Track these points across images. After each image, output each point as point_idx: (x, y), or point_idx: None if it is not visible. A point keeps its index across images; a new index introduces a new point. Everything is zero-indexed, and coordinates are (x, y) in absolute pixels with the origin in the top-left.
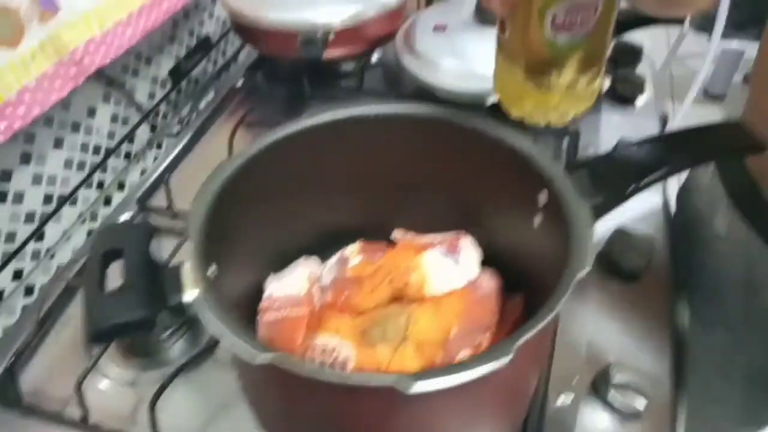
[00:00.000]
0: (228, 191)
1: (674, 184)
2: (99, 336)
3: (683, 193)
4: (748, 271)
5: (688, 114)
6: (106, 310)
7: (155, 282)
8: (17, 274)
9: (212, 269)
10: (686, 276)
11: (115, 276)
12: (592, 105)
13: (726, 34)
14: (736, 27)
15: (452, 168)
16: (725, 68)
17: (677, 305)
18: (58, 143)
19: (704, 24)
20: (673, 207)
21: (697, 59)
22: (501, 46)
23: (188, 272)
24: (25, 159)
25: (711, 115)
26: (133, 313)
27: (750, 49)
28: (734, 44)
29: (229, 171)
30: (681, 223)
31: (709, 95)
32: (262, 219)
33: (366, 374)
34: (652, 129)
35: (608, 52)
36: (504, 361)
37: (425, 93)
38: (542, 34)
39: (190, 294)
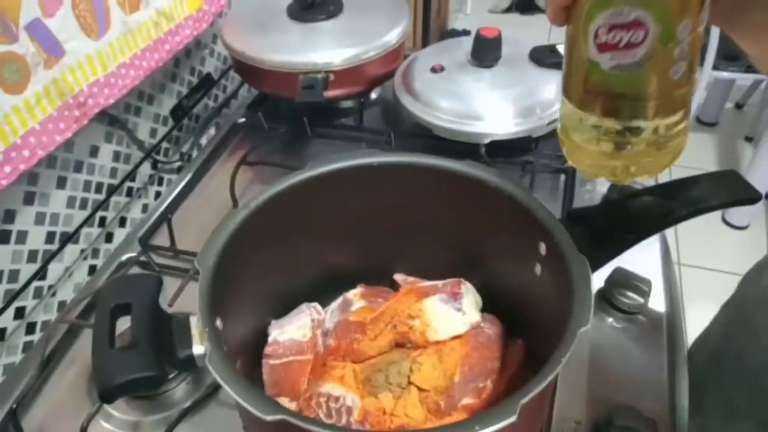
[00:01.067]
0: (233, 243)
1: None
2: (111, 393)
3: (752, 276)
4: None
5: None
6: (116, 368)
7: (164, 336)
8: (19, 312)
9: (218, 322)
10: (728, 358)
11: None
12: (672, 160)
13: (717, 65)
14: (726, 58)
15: (452, 215)
16: (717, 96)
17: (675, 351)
18: (61, 183)
19: None
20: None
21: None
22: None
23: (196, 326)
24: (29, 199)
25: (704, 141)
26: (144, 369)
27: (741, 79)
28: (725, 74)
29: (234, 223)
30: (740, 303)
31: (702, 122)
32: (265, 266)
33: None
34: None
35: (687, 109)
36: (510, 419)
37: (423, 131)
38: (587, 52)
39: (199, 348)
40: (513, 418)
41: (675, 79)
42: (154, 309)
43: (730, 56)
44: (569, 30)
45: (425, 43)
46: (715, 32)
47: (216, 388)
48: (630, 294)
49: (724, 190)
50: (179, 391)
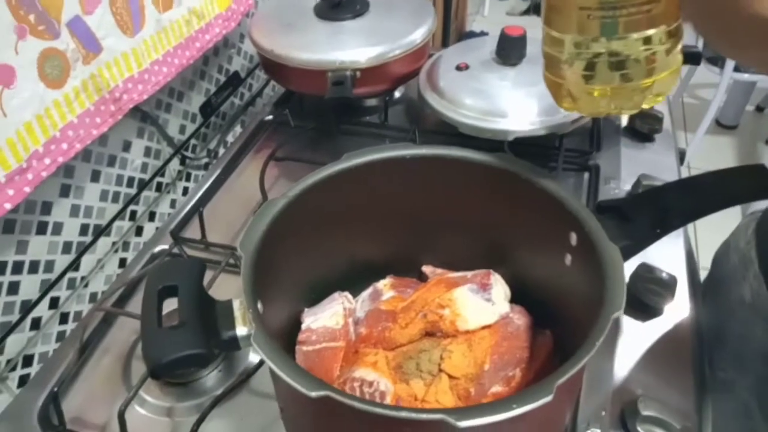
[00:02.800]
0: (272, 230)
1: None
2: (160, 370)
3: (720, 253)
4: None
5: (702, 144)
6: (165, 346)
7: (208, 317)
8: (54, 302)
9: (259, 305)
10: (711, 336)
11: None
12: (674, 80)
13: (737, 67)
14: None
15: (481, 207)
16: (737, 98)
17: (699, 352)
18: (95, 176)
19: (716, 57)
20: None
21: (709, 90)
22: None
23: (239, 309)
24: (65, 192)
25: (724, 144)
26: (192, 347)
27: (762, 81)
28: (746, 76)
29: (274, 211)
30: (714, 282)
31: (722, 125)
32: (300, 255)
33: (417, 408)
34: (670, 164)
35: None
36: (546, 399)
37: (447, 128)
38: None
39: (242, 329)
40: (549, 398)
41: None
42: (199, 291)
43: None
44: None
45: (445, 45)
46: None
47: (248, 376)
48: (655, 289)
49: (751, 184)
50: (211, 378)
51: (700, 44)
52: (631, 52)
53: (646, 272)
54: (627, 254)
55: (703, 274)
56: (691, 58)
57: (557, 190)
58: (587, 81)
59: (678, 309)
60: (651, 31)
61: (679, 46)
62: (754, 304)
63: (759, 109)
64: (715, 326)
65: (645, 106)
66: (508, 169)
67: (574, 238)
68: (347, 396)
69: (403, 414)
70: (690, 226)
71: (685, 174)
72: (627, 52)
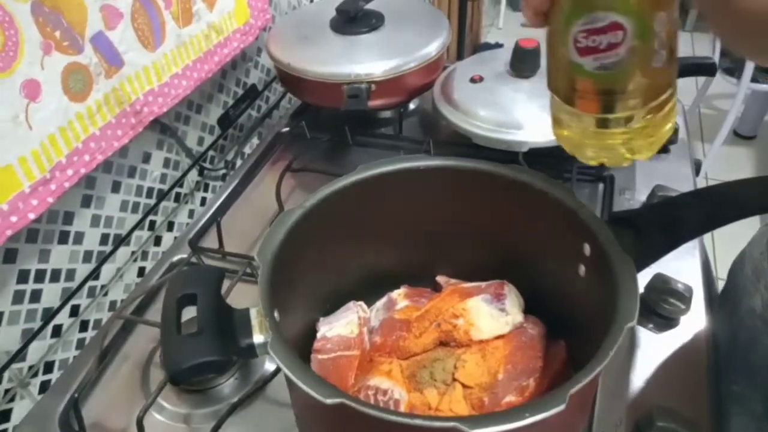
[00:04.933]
0: (289, 240)
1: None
2: (179, 376)
3: (736, 264)
4: None
5: (719, 155)
6: (184, 352)
7: (226, 325)
8: (74, 310)
9: (276, 313)
10: (724, 348)
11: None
12: (659, 147)
13: (755, 78)
14: (765, 71)
15: (495, 218)
16: (755, 109)
17: (714, 364)
18: (115, 187)
19: (732, 68)
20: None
21: (726, 100)
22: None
23: (256, 317)
24: (86, 202)
25: (742, 155)
26: (210, 354)
27: None
28: (763, 86)
29: (291, 221)
30: (729, 293)
31: (740, 136)
32: (315, 265)
33: (430, 416)
34: (685, 174)
35: (672, 86)
36: (559, 408)
37: (461, 139)
38: (569, 56)
39: (259, 337)
40: (562, 407)
41: (658, 66)
42: (217, 299)
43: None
44: (550, 32)
45: (459, 57)
46: None
47: (264, 383)
48: (671, 300)
49: (766, 194)
50: (228, 386)
51: (716, 56)
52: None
53: (661, 283)
54: (640, 265)
55: (720, 285)
56: (706, 69)
57: (571, 201)
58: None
59: (694, 320)
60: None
61: (673, 110)
62: (764, 314)
63: None
64: (728, 338)
65: (626, 164)
66: (522, 179)
67: (587, 249)
68: (362, 403)
69: (417, 421)
70: (708, 238)
71: (702, 185)
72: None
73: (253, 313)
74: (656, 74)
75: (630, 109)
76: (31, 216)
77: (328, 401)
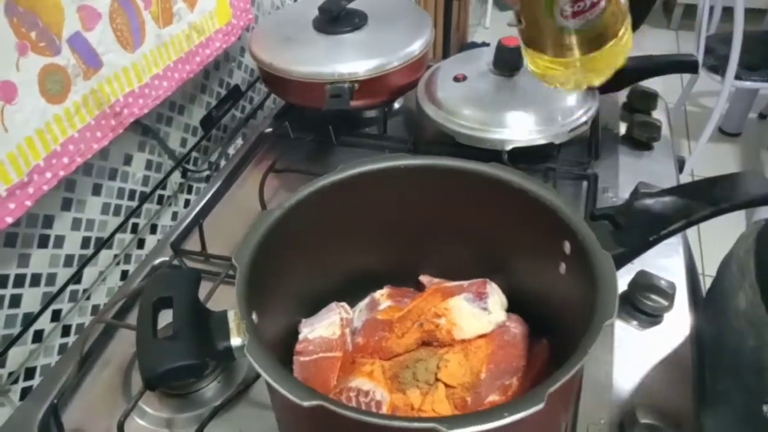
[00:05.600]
0: (268, 241)
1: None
2: (155, 381)
3: (723, 264)
4: (758, 353)
5: (705, 152)
6: (159, 357)
7: (203, 328)
8: (56, 315)
9: (254, 316)
10: (710, 347)
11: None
12: (623, 60)
13: (739, 75)
14: (749, 68)
15: (477, 217)
16: (739, 106)
17: (698, 360)
18: (96, 190)
19: (717, 66)
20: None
21: (711, 98)
22: (522, 38)
23: (233, 320)
24: (66, 205)
25: (727, 152)
26: (186, 358)
27: (764, 88)
28: (747, 84)
29: (269, 222)
30: (715, 292)
31: (725, 133)
32: (295, 267)
33: (410, 417)
34: (669, 172)
35: (628, 18)
36: (538, 407)
37: (445, 138)
38: (555, 24)
39: (236, 340)
40: (541, 406)
41: (623, 2)
42: (194, 302)
43: (752, 66)
44: (528, 6)
45: (445, 56)
46: (737, 42)
47: (247, 386)
48: (654, 297)
49: (747, 189)
50: (211, 389)
51: (700, 54)
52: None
53: (645, 280)
54: (620, 262)
55: (707, 281)
56: (689, 66)
57: (551, 199)
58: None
59: (677, 317)
60: None
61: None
62: (748, 314)
63: (762, 116)
64: (714, 337)
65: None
66: (502, 178)
67: (567, 247)
68: (340, 405)
69: (396, 423)
70: (694, 234)
71: (687, 182)
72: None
73: (231, 316)
74: (621, 9)
75: (608, 40)
76: (9, 220)
77: (306, 404)
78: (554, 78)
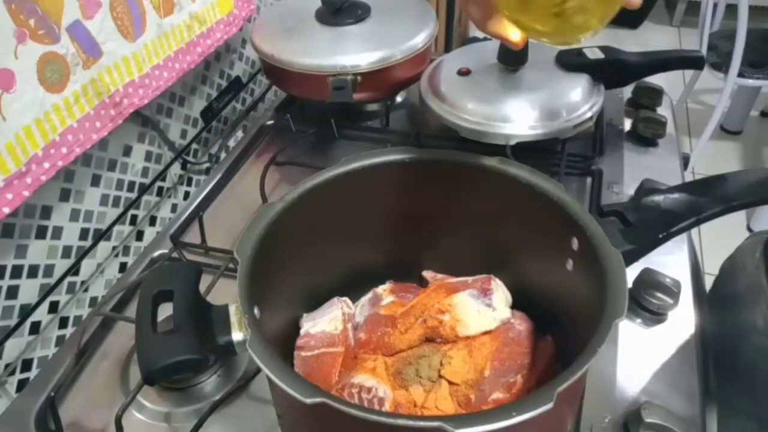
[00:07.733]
0: (269, 235)
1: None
2: (154, 375)
3: (726, 269)
4: None
5: (706, 149)
6: (160, 351)
7: (204, 322)
8: (53, 307)
9: (256, 310)
10: (718, 354)
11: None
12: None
13: (741, 73)
14: (752, 66)
15: (482, 212)
16: (741, 104)
17: (703, 359)
18: (95, 180)
19: (720, 63)
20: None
21: (713, 95)
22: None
23: (235, 314)
24: (65, 196)
25: (728, 150)
26: (187, 353)
27: (766, 86)
28: (750, 81)
29: (270, 215)
30: (721, 297)
31: (727, 131)
32: (297, 260)
33: (414, 416)
34: (674, 168)
35: None
36: (547, 406)
37: (449, 132)
38: None
39: (238, 335)
40: (550, 405)
41: None
42: (194, 296)
43: (755, 63)
44: None
45: (447, 50)
46: (740, 40)
47: (247, 381)
48: (659, 295)
49: (755, 188)
50: (210, 384)
51: (704, 50)
52: None
53: (650, 277)
54: (629, 259)
55: (708, 279)
56: (694, 62)
57: (558, 194)
58: None
59: (682, 315)
60: None
61: None
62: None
63: (764, 114)
64: (723, 345)
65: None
66: (509, 172)
67: (575, 243)
68: (343, 403)
69: (400, 421)
70: (695, 233)
71: (689, 179)
72: None
73: (232, 310)
74: None
75: None
76: (6, 210)
77: (309, 401)
78: (538, 34)
